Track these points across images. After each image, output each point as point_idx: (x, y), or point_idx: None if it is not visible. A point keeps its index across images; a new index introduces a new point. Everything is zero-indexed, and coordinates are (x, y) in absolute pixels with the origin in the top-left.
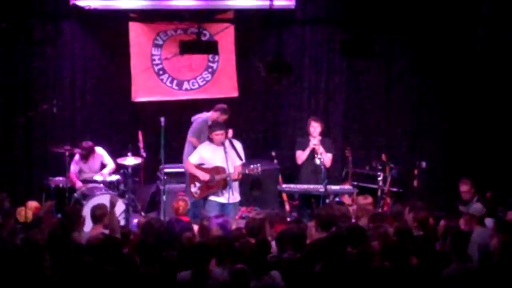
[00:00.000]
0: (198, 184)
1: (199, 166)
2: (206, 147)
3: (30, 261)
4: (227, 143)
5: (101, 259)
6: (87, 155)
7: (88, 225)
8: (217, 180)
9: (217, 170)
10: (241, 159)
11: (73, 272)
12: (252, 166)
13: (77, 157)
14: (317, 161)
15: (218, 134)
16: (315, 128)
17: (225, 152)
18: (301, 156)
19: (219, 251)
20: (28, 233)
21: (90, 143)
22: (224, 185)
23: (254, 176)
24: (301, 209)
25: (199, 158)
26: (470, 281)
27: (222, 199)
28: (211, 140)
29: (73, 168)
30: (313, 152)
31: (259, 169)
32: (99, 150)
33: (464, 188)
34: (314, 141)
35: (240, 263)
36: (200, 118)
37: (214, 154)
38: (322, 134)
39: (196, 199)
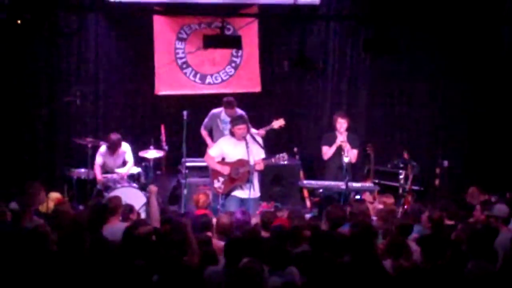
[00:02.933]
0: (221, 179)
1: (221, 161)
2: (227, 141)
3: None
4: (248, 137)
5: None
6: (115, 147)
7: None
8: (241, 173)
9: (241, 162)
10: (262, 153)
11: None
12: (278, 155)
13: (103, 149)
14: (345, 159)
15: (241, 128)
16: (341, 124)
17: (247, 146)
18: (327, 152)
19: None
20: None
21: (118, 135)
22: (248, 178)
23: (276, 171)
24: (322, 206)
25: (219, 152)
26: (488, 281)
27: (243, 194)
28: (232, 134)
29: (99, 160)
30: (340, 149)
31: (286, 157)
32: (124, 145)
33: (472, 190)
34: (341, 137)
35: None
36: (212, 112)
37: (235, 148)
38: (348, 130)
39: (221, 194)
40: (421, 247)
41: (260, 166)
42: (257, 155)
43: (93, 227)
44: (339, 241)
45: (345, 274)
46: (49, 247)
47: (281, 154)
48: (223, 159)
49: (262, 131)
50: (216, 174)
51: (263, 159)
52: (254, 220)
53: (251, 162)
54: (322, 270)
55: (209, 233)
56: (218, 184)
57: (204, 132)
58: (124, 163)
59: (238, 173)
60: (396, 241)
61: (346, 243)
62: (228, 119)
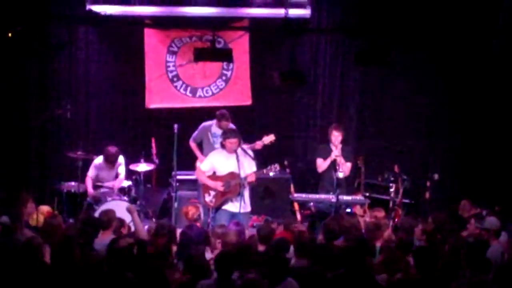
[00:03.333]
0: (212, 193)
1: (211, 176)
2: (218, 154)
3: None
4: (239, 150)
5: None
6: (113, 160)
7: None
8: (232, 186)
9: (232, 176)
10: (254, 166)
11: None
12: (270, 166)
13: (99, 161)
14: (340, 175)
15: (232, 142)
16: (336, 137)
17: (238, 160)
18: (322, 165)
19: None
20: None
21: (116, 148)
22: (239, 191)
23: (266, 184)
24: (313, 219)
25: (210, 166)
26: None
27: (233, 207)
28: (223, 147)
29: (92, 172)
30: (334, 162)
31: (278, 168)
32: (120, 158)
33: (464, 204)
34: (336, 152)
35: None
36: (203, 124)
37: (227, 161)
38: (342, 142)
39: (212, 208)
40: (415, 259)
41: (252, 178)
42: (248, 168)
43: (84, 240)
44: (335, 254)
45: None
46: (42, 260)
47: (273, 165)
48: (214, 173)
49: (260, 143)
50: (207, 188)
51: (255, 172)
52: (247, 233)
53: (242, 175)
54: (318, 283)
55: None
56: (209, 198)
57: (193, 144)
58: (116, 176)
59: (230, 186)
60: (393, 257)
61: (341, 256)
62: (219, 132)
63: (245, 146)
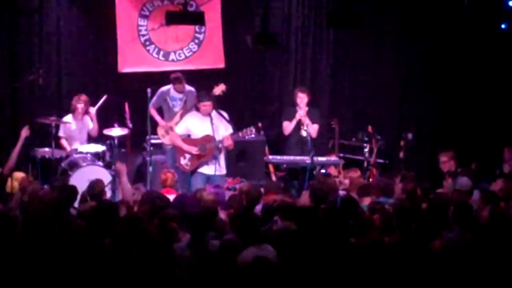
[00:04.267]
0: (188, 156)
1: (186, 139)
2: (193, 117)
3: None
4: (214, 113)
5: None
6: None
7: None
8: (208, 149)
9: (208, 138)
10: (230, 128)
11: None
12: (245, 129)
13: (68, 119)
14: (303, 133)
15: (206, 105)
16: (301, 99)
17: (212, 123)
18: (287, 127)
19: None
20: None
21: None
22: (215, 153)
23: (241, 147)
24: (287, 181)
25: (185, 128)
26: (469, 250)
27: (209, 170)
28: (198, 110)
29: (62, 132)
30: (299, 123)
31: (253, 131)
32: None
33: (443, 158)
34: (301, 112)
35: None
36: (160, 90)
37: (202, 124)
38: (309, 104)
39: (188, 171)
40: (397, 218)
41: (229, 141)
42: (225, 130)
43: (61, 207)
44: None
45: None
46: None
47: (248, 128)
48: (188, 135)
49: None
50: (182, 151)
51: (231, 134)
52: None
53: (217, 138)
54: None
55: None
56: (184, 161)
57: (152, 111)
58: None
59: (205, 149)
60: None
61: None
62: (177, 95)
63: None
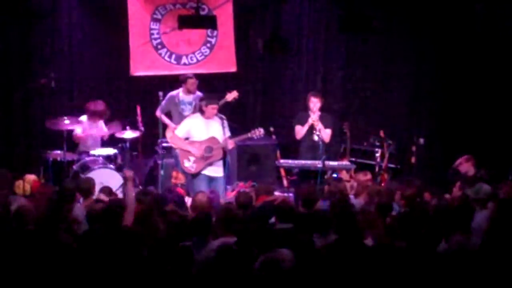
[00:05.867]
0: (192, 158)
1: (192, 141)
2: (196, 120)
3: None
4: (217, 117)
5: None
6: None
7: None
8: (215, 150)
9: (213, 141)
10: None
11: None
12: (253, 130)
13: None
14: (315, 137)
15: (214, 108)
16: (314, 103)
17: (222, 126)
18: (300, 131)
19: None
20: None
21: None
22: (222, 155)
23: (252, 151)
24: (299, 185)
25: (187, 131)
26: (471, 257)
27: (212, 172)
28: (202, 113)
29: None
30: (312, 128)
31: (262, 132)
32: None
33: (461, 161)
34: (313, 116)
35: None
36: (169, 94)
37: (206, 126)
38: (322, 109)
39: (193, 173)
40: (398, 225)
41: (232, 144)
42: (226, 133)
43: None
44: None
45: (331, 254)
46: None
47: (256, 129)
48: (186, 139)
49: (222, 102)
50: (186, 153)
51: (240, 136)
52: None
53: (221, 140)
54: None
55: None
56: (189, 163)
57: (161, 115)
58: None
59: (212, 151)
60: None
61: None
62: (187, 99)
63: None
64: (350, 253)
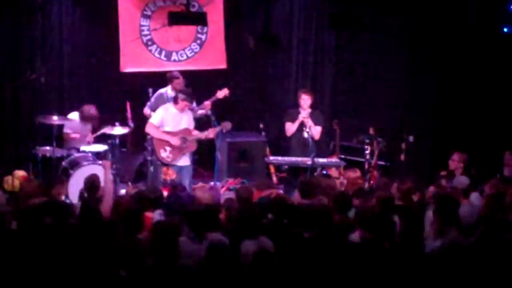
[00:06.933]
0: (168, 148)
1: (166, 131)
2: (169, 109)
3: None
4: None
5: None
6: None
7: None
8: (189, 141)
9: (187, 132)
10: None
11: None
12: (222, 123)
13: (73, 117)
14: (305, 134)
15: (187, 106)
16: (305, 100)
17: (193, 118)
18: (290, 128)
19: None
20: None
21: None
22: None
23: (242, 147)
24: (288, 182)
25: (161, 120)
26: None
27: (181, 162)
28: (176, 103)
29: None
30: (302, 125)
31: (229, 126)
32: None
33: (454, 157)
34: (304, 114)
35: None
36: (159, 92)
37: (179, 117)
38: (312, 106)
39: (170, 163)
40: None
41: (211, 135)
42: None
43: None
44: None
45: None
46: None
47: (224, 123)
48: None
49: (208, 102)
50: (163, 143)
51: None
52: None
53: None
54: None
55: None
56: (165, 153)
57: (148, 112)
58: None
59: (186, 141)
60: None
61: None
62: None
63: (196, 108)
64: (331, 247)
